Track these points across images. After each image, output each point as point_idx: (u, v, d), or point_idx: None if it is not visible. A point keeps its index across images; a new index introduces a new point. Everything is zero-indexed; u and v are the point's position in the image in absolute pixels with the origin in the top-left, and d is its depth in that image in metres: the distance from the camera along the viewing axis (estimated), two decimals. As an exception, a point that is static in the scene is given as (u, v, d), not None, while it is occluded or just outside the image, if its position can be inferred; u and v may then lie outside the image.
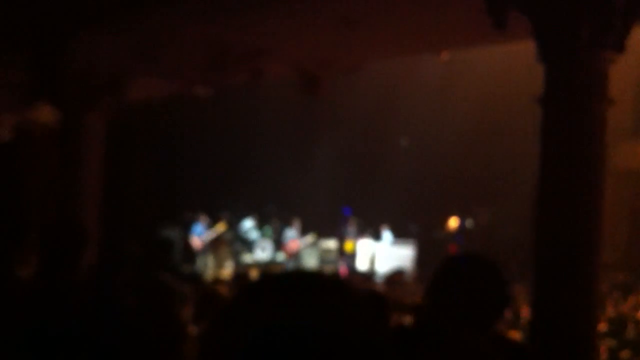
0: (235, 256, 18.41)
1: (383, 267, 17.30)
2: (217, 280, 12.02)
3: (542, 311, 5.46)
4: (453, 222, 19.64)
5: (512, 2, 5.31)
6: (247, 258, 18.63)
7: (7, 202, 10.50)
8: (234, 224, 19.34)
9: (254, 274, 14.79)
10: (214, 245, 18.05)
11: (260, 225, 19.46)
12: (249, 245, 19.04)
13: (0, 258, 3.85)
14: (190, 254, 17.52)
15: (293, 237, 19.01)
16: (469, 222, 19.67)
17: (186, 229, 17.99)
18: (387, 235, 18.60)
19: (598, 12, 5.08)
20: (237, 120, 18.66)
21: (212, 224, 18.40)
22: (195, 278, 11.85)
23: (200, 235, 17.86)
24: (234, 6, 6.78)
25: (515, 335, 9.03)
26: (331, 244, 19.22)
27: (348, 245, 18.82)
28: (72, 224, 3.91)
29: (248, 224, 19.32)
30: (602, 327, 8.58)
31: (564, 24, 5.14)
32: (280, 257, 18.91)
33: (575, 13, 5.09)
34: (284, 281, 1.05)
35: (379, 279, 15.98)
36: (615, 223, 12.60)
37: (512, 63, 12.04)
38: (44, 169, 10.42)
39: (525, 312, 10.73)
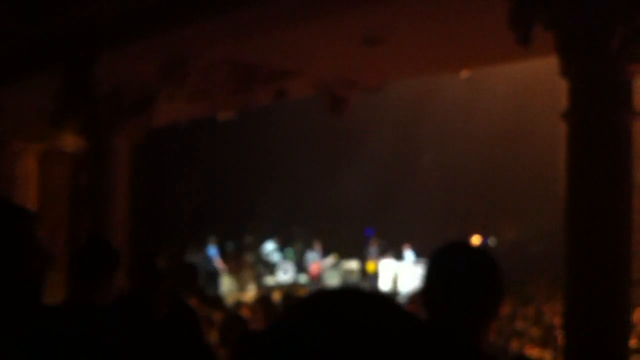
0: (258, 279, 18.42)
1: (406, 287, 17.21)
2: (240, 304, 12.01)
3: (574, 328, 5.40)
4: (475, 241, 19.54)
5: (536, 17, 5.32)
6: (270, 280, 18.64)
7: (36, 227, 10.53)
8: (256, 247, 19.37)
9: (276, 296, 14.77)
10: (236, 268, 18.09)
11: (282, 247, 19.49)
12: (271, 268, 19.05)
13: (29, 286, 3.85)
14: (211, 278, 17.57)
15: (315, 259, 19.01)
16: (492, 241, 19.56)
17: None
18: (409, 254, 18.53)
19: (624, 24, 5.07)
20: (259, 142, 18.74)
21: (230, 247, 18.50)
22: (219, 302, 11.84)
23: (215, 257, 17.93)
24: (258, 28, 6.84)
25: (546, 354, 8.94)
26: (353, 264, 19.19)
27: (370, 266, 18.77)
28: (104, 245, 3.93)
29: (270, 247, 19.34)
30: (633, 343, 8.48)
31: (589, 37, 5.13)
32: (303, 279, 18.90)
33: (600, 26, 5.08)
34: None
35: (402, 299, 15.89)
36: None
37: (535, 78, 12.01)
38: (71, 194, 10.51)
39: (556, 330, 10.60)
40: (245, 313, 5.98)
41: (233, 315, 5.79)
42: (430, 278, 2.21)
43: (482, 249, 2.33)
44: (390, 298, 1.09)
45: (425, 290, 2.21)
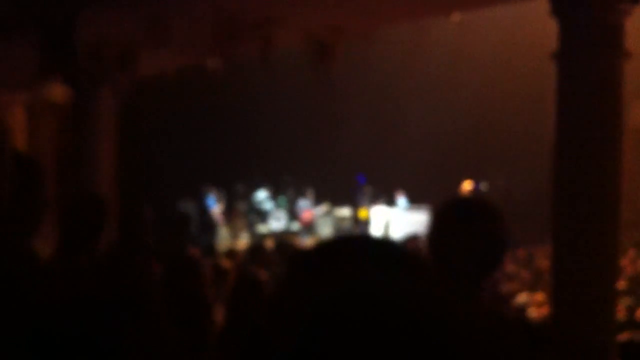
0: (250, 227, 18.51)
1: (398, 233, 17.30)
2: (231, 252, 12.07)
3: (562, 270, 5.44)
4: (467, 186, 19.59)
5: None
6: (262, 228, 18.73)
7: (22, 180, 10.53)
8: (248, 195, 19.42)
9: (269, 244, 14.84)
10: (228, 216, 18.17)
11: (275, 195, 19.53)
12: (263, 216, 19.13)
13: (16, 238, 3.83)
14: (206, 227, 17.65)
15: (307, 207, 19.07)
16: (484, 185, 19.63)
17: (202, 201, 18.11)
18: (401, 201, 18.59)
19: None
20: (249, 91, 18.61)
21: (223, 196, 18.53)
22: (212, 250, 11.89)
23: (213, 207, 17.99)
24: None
25: (540, 296, 9.02)
26: (345, 212, 19.27)
27: (362, 213, 18.85)
28: (94, 198, 3.89)
29: (262, 195, 19.39)
30: (621, 285, 8.56)
31: (579, -23, 5.06)
32: (295, 226, 18.99)
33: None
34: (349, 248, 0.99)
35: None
36: (633, 181, 12.49)
37: (526, 20, 11.87)
38: (57, 146, 10.45)
39: (546, 273, 10.70)
40: (226, 264, 6.01)
41: (217, 266, 5.79)
42: (439, 231, 2.27)
43: (487, 202, 2.37)
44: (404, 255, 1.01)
45: (433, 241, 2.28)
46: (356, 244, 1.03)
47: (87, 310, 1.97)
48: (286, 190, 19.81)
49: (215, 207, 18.07)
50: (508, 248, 2.28)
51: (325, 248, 1.03)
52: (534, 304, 9.20)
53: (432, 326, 0.91)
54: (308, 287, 0.95)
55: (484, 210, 2.28)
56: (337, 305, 0.89)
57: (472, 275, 2.20)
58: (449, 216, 2.28)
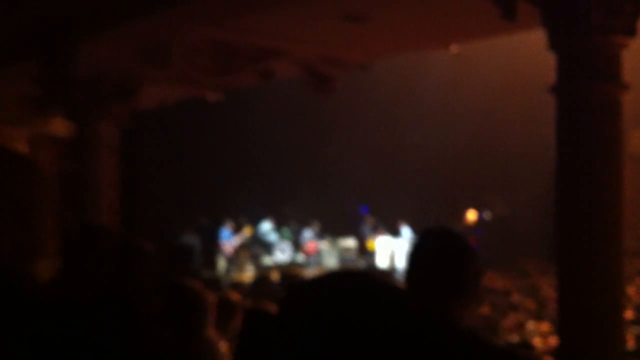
0: (255, 259, 18.47)
1: (403, 264, 17.20)
2: (237, 284, 12.02)
3: (568, 300, 5.40)
4: (471, 215, 19.58)
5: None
6: (267, 260, 18.68)
7: (23, 214, 10.59)
8: (252, 227, 19.42)
9: (274, 276, 14.80)
10: (234, 249, 18.15)
11: (278, 227, 19.51)
12: (268, 248, 19.09)
13: (16, 267, 3.83)
14: (210, 259, 17.61)
15: (310, 238, 19.03)
16: (487, 214, 19.61)
17: (205, 234, 18.07)
18: (405, 231, 18.56)
19: (608, -4, 5.04)
20: (251, 123, 18.70)
21: (237, 228, 18.52)
22: (215, 283, 11.84)
23: (228, 240, 17.98)
24: (241, 8, 6.79)
25: (545, 326, 8.95)
26: (350, 242, 19.24)
27: (369, 244, 18.82)
28: (96, 228, 3.89)
29: (266, 227, 19.36)
30: (629, 314, 8.49)
31: (574, 10, 5.09)
32: (300, 258, 18.95)
33: (584, -2, 5.04)
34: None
35: (399, 276, 15.94)
36: (635, 209, 12.43)
37: (524, 52, 11.96)
38: (59, 180, 10.49)
39: (552, 303, 10.64)
40: (235, 297, 6.00)
41: (223, 298, 5.75)
42: (409, 261, 2.36)
43: (457, 233, 2.44)
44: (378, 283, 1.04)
45: (406, 271, 2.36)
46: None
47: (87, 310, 1.98)
48: (289, 222, 19.81)
49: (231, 240, 18.07)
50: (472, 279, 2.30)
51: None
52: (539, 334, 9.13)
53: (431, 324, 0.94)
54: (308, 290, 0.99)
55: (445, 240, 2.36)
56: (336, 305, 0.92)
57: (440, 302, 2.20)
58: (414, 249, 2.38)
